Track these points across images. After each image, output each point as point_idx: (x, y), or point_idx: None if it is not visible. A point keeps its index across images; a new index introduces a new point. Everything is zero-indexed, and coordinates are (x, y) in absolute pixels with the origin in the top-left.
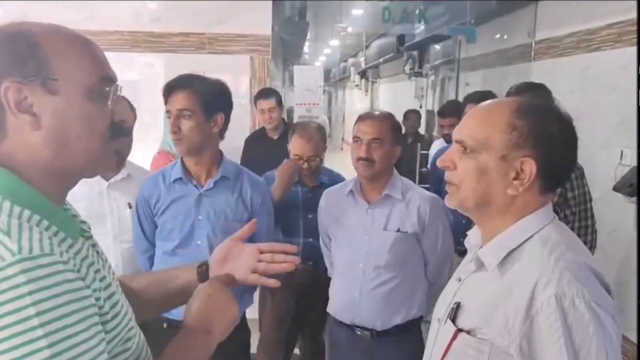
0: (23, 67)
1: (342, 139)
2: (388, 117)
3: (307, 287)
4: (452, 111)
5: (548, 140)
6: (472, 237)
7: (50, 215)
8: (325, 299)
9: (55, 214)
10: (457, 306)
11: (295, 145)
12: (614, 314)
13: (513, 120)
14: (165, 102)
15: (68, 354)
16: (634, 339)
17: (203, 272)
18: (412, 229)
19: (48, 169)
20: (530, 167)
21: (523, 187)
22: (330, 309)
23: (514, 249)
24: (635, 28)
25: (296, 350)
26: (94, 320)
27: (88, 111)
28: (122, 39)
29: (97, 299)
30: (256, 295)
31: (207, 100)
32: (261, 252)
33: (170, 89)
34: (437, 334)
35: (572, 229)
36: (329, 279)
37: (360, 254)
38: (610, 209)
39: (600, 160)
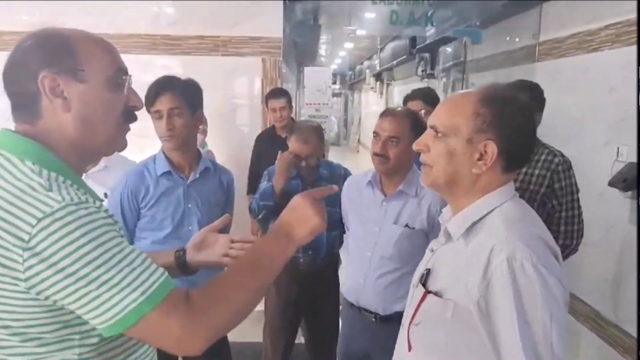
0: (57, 60)
1: (359, 141)
2: (408, 115)
3: (308, 275)
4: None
5: (507, 126)
6: (446, 213)
7: (77, 182)
8: (325, 286)
9: (81, 183)
10: (427, 272)
11: (294, 147)
12: (561, 278)
13: (477, 108)
14: (151, 105)
15: (119, 263)
16: (634, 332)
17: (180, 256)
18: (421, 226)
19: (74, 144)
20: (492, 149)
21: (486, 167)
22: (342, 289)
23: (476, 221)
24: (633, 29)
25: (300, 340)
26: (127, 244)
27: (107, 97)
28: (141, 41)
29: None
30: None
31: (190, 98)
32: (233, 242)
33: (157, 91)
34: (411, 298)
35: (559, 218)
36: (329, 267)
37: (370, 243)
38: (608, 206)
39: (599, 158)
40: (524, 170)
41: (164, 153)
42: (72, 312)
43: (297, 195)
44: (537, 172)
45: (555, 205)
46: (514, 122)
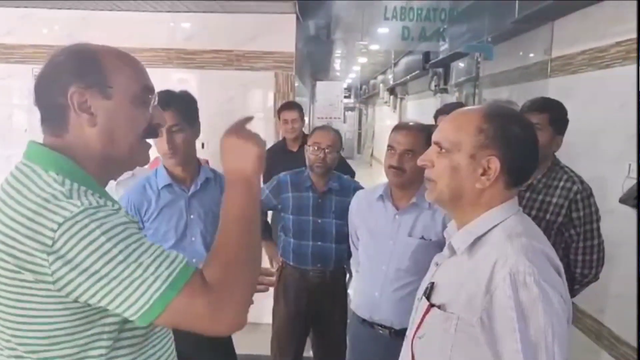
0: (86, 76)
1: (372, 155)
2: (423, 129)
3: (316, 287)
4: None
5: (510, 142)
6: (451, 228)
7: (100, 192)
8: (334, 298)
9: (104, 193)
10: (432, 286)
11: (315, 136)
12: (563, 294)
13: (480, 124)
14: None
15: (139, 258)
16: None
17: None
18: (436, 237)
19: (99, 158)
20: (495, 164)
21: (489, 182)
22: (353, 305)
23: (480, 236)
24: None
25: (308, 353)
26: (146, 238)
27: (133, 114)
28: (157, 55)
29: None
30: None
31: (188, 112)
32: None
33: None
34: (416, 311)
35: (576, 248)
36: (338, 279)
37: (385, 256)
38: (619, 223)
39: (612, 174)
40: (540, 197)
41: (165, 166)
42: (98, 311)
43: (224, 136)
44: (554, 200)
45: (573, 235)
46: (516, 138)
